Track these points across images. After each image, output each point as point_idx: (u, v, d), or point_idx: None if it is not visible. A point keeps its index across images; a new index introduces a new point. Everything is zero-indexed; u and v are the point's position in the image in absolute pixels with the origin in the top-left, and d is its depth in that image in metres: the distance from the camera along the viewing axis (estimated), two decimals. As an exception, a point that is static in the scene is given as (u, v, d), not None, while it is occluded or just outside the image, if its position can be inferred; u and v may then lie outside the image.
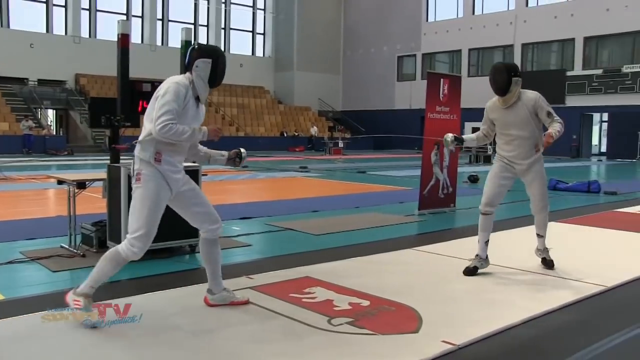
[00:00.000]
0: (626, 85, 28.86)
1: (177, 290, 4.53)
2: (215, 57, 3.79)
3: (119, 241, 5.53)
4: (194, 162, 4.48)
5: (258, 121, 36.32)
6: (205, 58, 3.75)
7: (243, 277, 4.91)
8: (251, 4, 40.06)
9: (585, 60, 31.00)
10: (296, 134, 36.35)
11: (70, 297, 3.73)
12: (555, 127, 4.92)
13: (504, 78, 4.98)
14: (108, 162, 6.10)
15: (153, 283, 4.79)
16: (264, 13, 40.74)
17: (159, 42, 35.44)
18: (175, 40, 34.16)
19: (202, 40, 37.14)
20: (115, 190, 5.58)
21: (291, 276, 4.98)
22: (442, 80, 9.16)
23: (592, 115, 32.15)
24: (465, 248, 6.39)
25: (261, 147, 31.41)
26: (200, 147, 4.12)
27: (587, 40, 30.83)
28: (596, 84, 29.90)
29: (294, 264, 5.42)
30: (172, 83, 3.65)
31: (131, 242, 3.66)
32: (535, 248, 5.58)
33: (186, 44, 5.96)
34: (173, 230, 5.76)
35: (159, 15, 35.63)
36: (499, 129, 5.25)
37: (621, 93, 28.32)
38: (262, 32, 41.00)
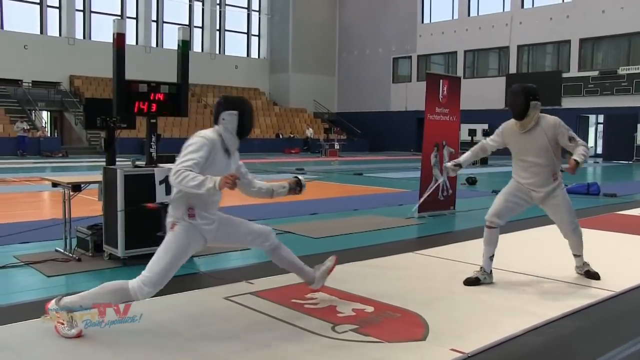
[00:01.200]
0: (622, 87, 28.88)
1: (173, 297, 4.40)
2: (241, 108, 3.79)
3: (115, 245, 5.43)
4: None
5: (253, 123, 36.16)
6: (231, 110, 3.76)
7: (243, 282, 4.81)
8: (246, 6, 39.96)
9: (581, 61, 31.02)
10: (292, 135, 36.25)
11: (52, 308, 3.62)
12: (579, 151, 4.70)
13: (522, 101, 4.75)
14: (104, 164, 5.98)
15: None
16: (259, 14, 40.64)
17: (153, 44, 35.28)
18: (170, 42, 34.09)
19: (197, 41, 37.04)
20: (112, 192, 5.47)
21: (292, 281, 4.85)
22: (441, 81, 9.07)
23: (588, 117, 32.15)
24: (467, 251, 6.31)
25: (256, 149, 31.29)
26: (260, 183, 4.17)
27: (583, 41, 30.84)
28: (592, 85, 29.92)
29: (295, 268, 5.29)
30: (198, 137, 3.64)
31: (144, 282, 3.58)
32: (574, 266, 5.30)
33: (183, 43, 5.84)
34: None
35: (154, 17, 35.48)
36: (515, 154, 5.01)
37: (617, 95, 28.34)
38: (257, 33, 40.89)
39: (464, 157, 5.24)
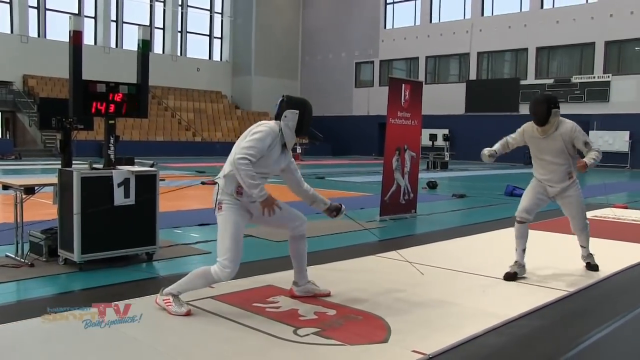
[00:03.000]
0: (575, 95, 29.65)
1: (134, 301, 4.29)
2: (303, 108, 4.14)
3: (71, 250, 5.28)
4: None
5: (215, 126, 35.89)
6: (294, 109, 4.10)
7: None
8: (208, 8, 39.62)
9: (538, 69, 31.72)
10: (253, 139, 36.01)
11: (159, 299, 4.09)
12: (591, 155, 5.17)
13: (544, 110, 5.16)
14: (59, 166, 5.81)
15: (108, 293, 4.54)
16: (222, 17, 40.33)
17: (113, 44, 34.65)
18: (130, 43, 33.52)
19: (158, 43, 36.58)
20: (68, 195, 5.32)
21: (253, 285, 4.81)
22: (403, 85, 9.14)
23: (544, 123, 32.86)
24: (428, 254, 6.36)
25: (218, 153, 30.91)
26: (307, 186, 4.49)
27: (539, 50, 31.56)
28: (548, 93, 30.57)
29: (256, 272, 5.23)
30: (265, 127, 4.00)
31: (223, 264, 3.93)
32: (580, 255, 5.77)
33: (144, 43, 5.73)
34: (129, 237, 5.57)
35: (113, 17, 34.82)
36: (534, 153, 5.44)
37: (570, 102, 29.03)
38: (219, 36, 40.57)
39: (496, 147, 5.61)
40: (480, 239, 7.50)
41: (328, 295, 4.52)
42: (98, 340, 3.47)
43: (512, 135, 5.59)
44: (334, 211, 4.46)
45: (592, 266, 5.66)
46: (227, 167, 4.02)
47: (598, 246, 6.30)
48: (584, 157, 5.26)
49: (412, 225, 8.84)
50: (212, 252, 6.36)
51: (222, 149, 32.35)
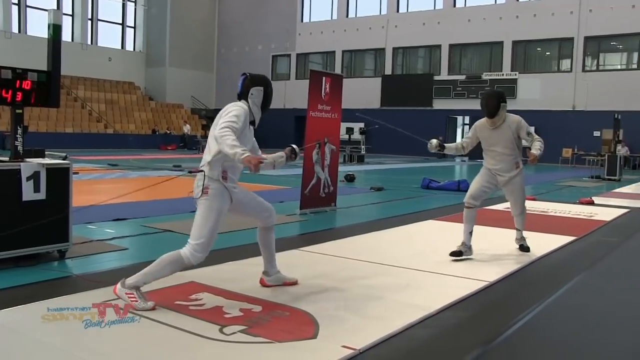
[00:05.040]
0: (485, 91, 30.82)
1: (45, 303, 4.01)
2: (266, 84, 4.29)
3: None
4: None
5: (128, 118, 34.73)
6: (259, 86, 4.24)
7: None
8: (120, -5, 38.25)
9: (451, 66, 32.73)
10: (168, 132, 35.18)
11: (120, 290, 3.94)
12: (536, 145, 5.74)
13: (495, 103, 5.80)
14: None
15: (19, 295, 4.25)
16: (135, 5, 39.03)
17: (15, 29, 32.73)
18: (36, 29, 31.83)
19: (67, 30, 34.91)
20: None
21: (174, 282, 4.60)
22: (324, 79, 9.13)
23: (456, 118, 33.98)
24: (350, 247, 6.39)
25: (131, 145, 30.06)
26: (264, 156, 4.33)
27: (452, 47, 32.56)
28: (460, 88, 31.64)
29: (176, 268, 5.05)
30: (237, 106, 4.09)
31: (195, 248, 3.98)
32: (514, 238, 6.40)
33: (54, 28, 5.39)
34: (39, 234, 5.24)
35: (14, 0, 32.86)
36: (485, 146, 5.98)
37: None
38: (132, 25, 39.25)
39: (448, 144, 6.16)
40: (401, 231, 7.61)
41: (295, 283, 4.67)
42: (14, 350, 3.24)
43: (466, 139, 6.14)
44: (292, 155, 4.39)
45: (524, 247, 6.29)
46: (207, 156, 4.08)
47: (512, 237, 6.54)
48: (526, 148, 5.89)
49: (333, 219, 8.86)
50: (129, 248, 6.15)
51: (136, 141, 31.32)
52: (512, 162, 5.90)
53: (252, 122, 4.23)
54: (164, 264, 4.01)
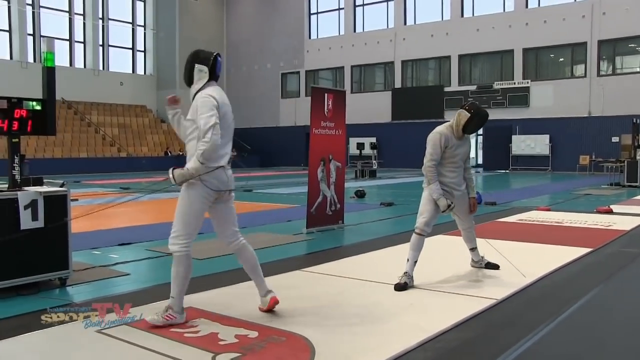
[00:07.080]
0: (497, 101, 30.63)
1: (37, 334, 3.96)
2: (207, 61, 4.65)
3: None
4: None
5: (141, 141, 34.98)
6: (203, 65, 4.64)
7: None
8: (130, 21, 38.68)
9: (461, 76, 32.61)
10: (181, 153, 35.31)
11: (160, 320, 4.08)
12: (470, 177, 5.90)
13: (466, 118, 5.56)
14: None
15: (16, 325, 4.18)
16: (144, 30, 39.48)
17: (30, 59, 33.18)
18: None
19: (79, 57, 35.37)
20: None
21: (172, 308, 4.56)
22: (326, 95, 9.07)
23: (468, 129, 33.74)
24: (354, 266, 6.28)
25: (144, 168, 30.21)
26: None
27: (462, 57, 32.45)
28: (471, 99, 31.41)
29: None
30: (206, 95, 4.57)
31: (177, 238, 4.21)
32: (471, 261, 6.09)
33: (48, 55, 5.39)
34: (39, 262, 5.21)
35: (30, 30, 33.36)
36: (449, 158, 5.60)
37: (493, 108, 29.93)
38: (142, 49, 39.67)
39: (438, 185, 5.52)
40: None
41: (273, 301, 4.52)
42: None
43: (432, 159, 5.54)
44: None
45: (491, 265, 6.05)
46: (192, 160, 4.19)
47: (524, 250, 6.39)
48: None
49: (340, 237, 8.76)
50: (132, 273, 6.10)
51: (149, 164, 31.42)
52: (462, 176, 5.80)
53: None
54: (179, 277, 4.18)
